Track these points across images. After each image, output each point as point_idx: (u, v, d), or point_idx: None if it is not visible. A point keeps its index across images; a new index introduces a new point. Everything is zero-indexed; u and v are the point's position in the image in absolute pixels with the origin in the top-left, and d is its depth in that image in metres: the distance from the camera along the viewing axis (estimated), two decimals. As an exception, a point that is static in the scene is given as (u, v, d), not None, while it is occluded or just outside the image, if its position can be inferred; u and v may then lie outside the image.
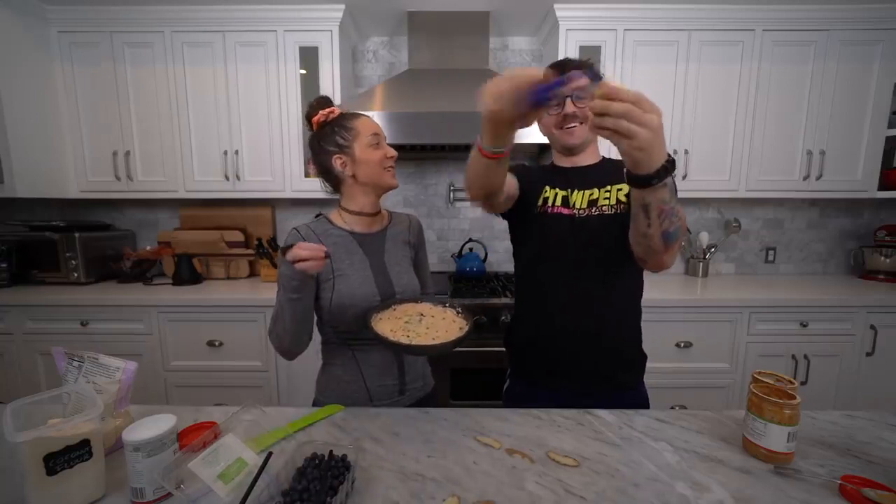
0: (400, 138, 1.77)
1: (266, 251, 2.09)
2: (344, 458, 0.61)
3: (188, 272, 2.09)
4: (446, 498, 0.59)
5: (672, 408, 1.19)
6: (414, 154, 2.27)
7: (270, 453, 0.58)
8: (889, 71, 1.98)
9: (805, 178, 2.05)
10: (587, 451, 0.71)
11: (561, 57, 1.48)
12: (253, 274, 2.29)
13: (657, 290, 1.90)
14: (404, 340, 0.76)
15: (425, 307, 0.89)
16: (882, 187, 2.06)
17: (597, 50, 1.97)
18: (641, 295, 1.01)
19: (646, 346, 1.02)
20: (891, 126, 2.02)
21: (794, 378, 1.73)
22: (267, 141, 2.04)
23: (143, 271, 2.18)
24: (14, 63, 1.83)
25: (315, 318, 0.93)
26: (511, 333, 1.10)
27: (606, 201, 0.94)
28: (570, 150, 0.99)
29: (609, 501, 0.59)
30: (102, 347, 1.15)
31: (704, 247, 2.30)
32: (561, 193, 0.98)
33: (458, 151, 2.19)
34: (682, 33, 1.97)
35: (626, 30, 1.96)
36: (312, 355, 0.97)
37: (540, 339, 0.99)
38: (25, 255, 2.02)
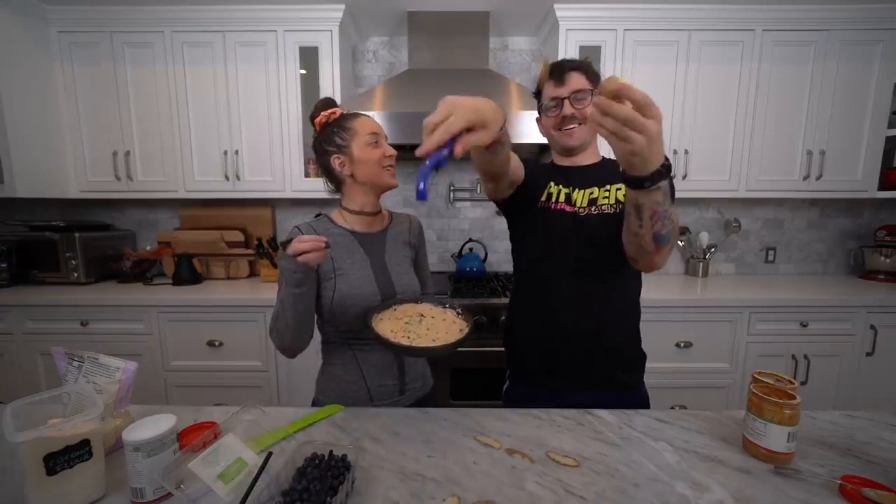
0: (400, 138, 1.76)
1: (266, 251, 2.09)
2: (344, 458, 0.61)
3: (188, 272, 2.09)
4: (446, 498, 0.59)
5: (672, 408, 1.19)
6: (414, 154, 2.26)
7: (270, 453, 0.58)
8: (889, 71, 1.98)
9: (805, 178, 2.05)
10: (587, 451, 0.71)
11: (561, 57, 1.48)
12: (253, 274, 2.29)
13: (657, 290, 1.90)
14: (405, 342, 0.76)
15: (426, 308, 0.89)
16: (882, 187, 2.07)
17: (597, 50, 1.97)
18: (640, 295, 1.01)
19: (646, 346, 1.02)
20: (891, 126, 2.02)
21: (794, 378, 1.73)
22: (267, 141, 2.04)
23: (143, 271, 2.18)
24: (14, 63, 1.83)
25: (315, 317, 0.93)
26: (510, 333, 1.10)
27: (606, 200, 0.94)
28: (570, 152, 0.99)
29: (609, 501, 0.59)
30: (102, 347, 1.15)
31: (704, 247, 2.30)
32: (564, 190, 0.97)
33: (458, 151, 2.18)
34: (682, 33, 1.97)
35: (626, 30, 1.96)
36: (312, 355, 0.97)
37: (540, 338, 0.99)
38: (25, 255, 2.02)
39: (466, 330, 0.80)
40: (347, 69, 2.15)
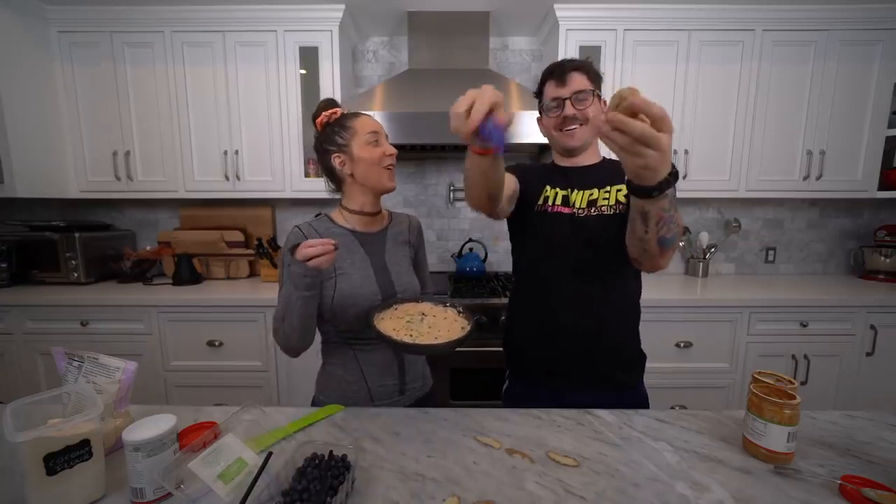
0: (400, 138, 1.76)
1: (266, 251, 2.09)
2: (344, 458, 0.61)
3: (188, 272, 2.09)
4: (446, 498, 0.59)
5: (672, 408, 1.19)
6: (414, 154, 2.27)
7: (270, 453, 0.58)
8: (889, 71, 1.98)
9: (805, 178, 2.05)
10: (587, 451, 0.71)
11: (561, 57, 1.48)
12: (253, 274, 2.29)
13: (657, 290, 1.90)
14: (408, 340, 0.76)
15: (426, 307, 0.89)
16: (882, 187, 2.06)
17: (597, 50, 1.97)
18: (640, 295, 1.01)
19: (646, 346, 1.02)
20: (891, 126, 2.02)
21: (794, 378, 1.73)
22: (267, 141, 2.04)
23: (143, 271, 2.18)
24: (14, 63, 1.83)
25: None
26: (510, 334, 1.10)
27: (606, 202, 0.94)
28: (570, 152, 0.99)
29: (609, 501, 0.59)
30: (102, 347, 1.15)
31: (704, 247, 2.30)
32: (561, 193, 0.97)
33: (458, 151, 2.19)
34: (682, 33, 1.97)
35: (626, 30, 1.96)
36: (312, 355, 0.97)
37: (540, 338, 0.99)
38: (25, 255, 2.02)
39: (468, 327, 0.80)
40: (347, 69, 2.15)
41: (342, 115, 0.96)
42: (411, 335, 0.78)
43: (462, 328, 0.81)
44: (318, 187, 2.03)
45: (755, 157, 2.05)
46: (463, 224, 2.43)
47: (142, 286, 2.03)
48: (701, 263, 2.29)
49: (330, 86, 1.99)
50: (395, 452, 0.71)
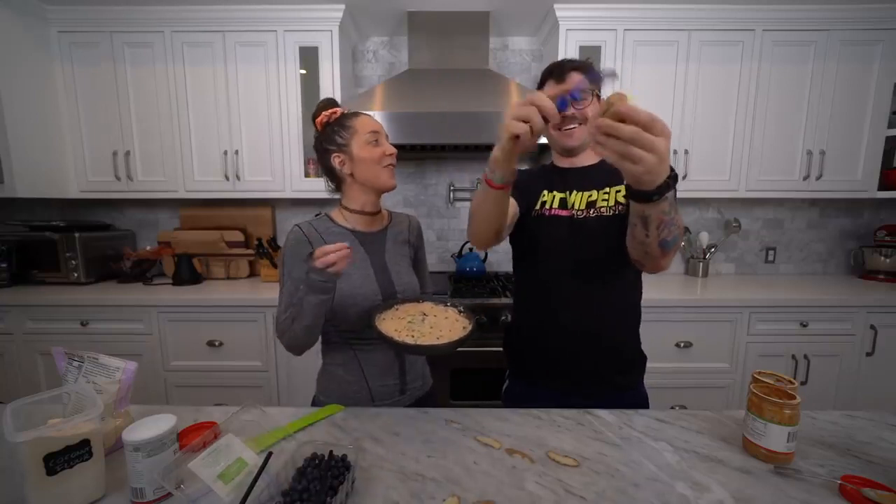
0: (400, 138, 1.76)
1: (266, 251, 2.09)
2: (344, 458, 0.61)
3: (188, 272, 2.09)
4: (446, 498, 0.59)
5: (672, 408, 1.19)
6: (414, 154, 2.27)
7: (270, 453, 0.58)
8: (889, 71, 1.98)
9: (805, 178, 2.05)
10: (587, 451, 0.71)
11: (561, 57, 1.48)
12: (253, 274, 2.29)
13: (657, 290, 1.90)
14: (409, 340, 0.76)
15: (427, 307, 0.89)
16: (882, 187, 2.06)
17: (597, 50, 1.97)
18: (641, 296, 1.01)
19: (646, 347, 1.02)
20: (891, 126, 2.02)
21: (794, 378, 1.73)
22: (267, 141, 2.04)
23: (143, 271, 2.18)
24: (14, 63, 1.83)
25: None
26: (510, 335, 1.10)
27: (605, 203, 0.94)
28: (570, 152, 0.99)
29: (609, 501, 0.59)
30: (102, 347, 1.15)
31: (704, 247, 2.30)
32: (559, 196, 0.98)
33: (458, 151, 2.19)
34: (682, 33, 1.97)
35: (626, 30, 1.96)
36: (312, 355, 0.97)
37: (540, 338, 0.99)
38: (25, 255, 2.02)
39: (470, 327, 0.80)
40: (347, 69, 2.15)
41: (342, 114, 0.96)
42: (413, 335, 0.78)
43: (464, 328, 0.81)
44: (318, 187, 2.03)
45: (755, 157, 2.05)
46: (463, 224, 2.43)
47: (142, 286, 2.03)
48: (701, 263, 2.29)
49: (330, 86, 1.99)
50: (395, 452, 0.71)
